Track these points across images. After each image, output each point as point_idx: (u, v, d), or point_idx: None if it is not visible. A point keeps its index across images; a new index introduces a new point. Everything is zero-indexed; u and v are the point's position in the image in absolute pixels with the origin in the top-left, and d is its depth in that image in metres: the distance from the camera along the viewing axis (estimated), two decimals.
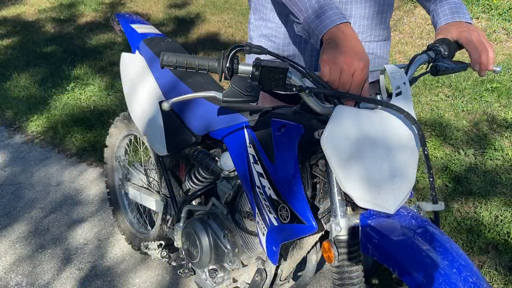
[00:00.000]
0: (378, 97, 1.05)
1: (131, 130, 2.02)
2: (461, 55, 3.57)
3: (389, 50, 1.57)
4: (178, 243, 1.68)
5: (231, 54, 1.00)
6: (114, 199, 2.25)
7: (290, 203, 1.14)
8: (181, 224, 1.66)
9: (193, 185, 1.62)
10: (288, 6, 1.20)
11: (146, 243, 1.87)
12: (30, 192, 2.71)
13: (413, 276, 0.88)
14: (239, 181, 1.45)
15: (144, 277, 2.11)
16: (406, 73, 1.14)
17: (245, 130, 1.31)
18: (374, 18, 1.44)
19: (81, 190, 2.72)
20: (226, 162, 1.41)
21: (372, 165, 0.97)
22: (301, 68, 1.03)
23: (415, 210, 1.03)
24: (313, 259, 1.35)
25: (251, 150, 1.27)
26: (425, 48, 1.21)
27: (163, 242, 1.84)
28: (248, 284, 1.52)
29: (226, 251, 1.46)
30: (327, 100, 1.11)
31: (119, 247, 2.28)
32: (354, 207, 1.05)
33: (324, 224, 1.12)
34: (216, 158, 1.48)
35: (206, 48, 4.64)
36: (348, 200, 1.04)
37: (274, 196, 1.19)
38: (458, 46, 1.23)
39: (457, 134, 2.99)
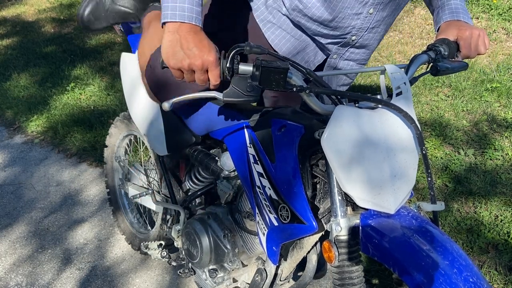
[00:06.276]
0: (378, 97, 1.05)
1: (131, 130, 2.02)
2: None
3: None
4: (178, 243, 1.68)
5: (231, 54, 1.00)
6: (114, 199, 2.25)
7: (290, 203, 1.14)
8: (181, 224, 1.65)
9: (193, 185, 1.62)
10: None
11: (146, 243, 1.86)
12: (30, 192, 2.71)
13: (414, 276, 0.88)
14: (239, 181, 1.45)
15: (144, 277, 2.10)
16: (406, 73, 1.14)
17: (245, 130, 1.31)
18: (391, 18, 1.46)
19: (81, 190, 2.72)
20: (226, 162, 1.41)
21: (373, 165, 0.97)
22: (301, 68, 1.03)
23: (415, 210, 1.03)
24: (313, 259, 1.34)
25: (251, 150, 1.27)
26: (425, 48, 1.21)
27: (163, 242, 1.84)
28: (248, 284, 1.52)
29: (226, 251, 1.45)
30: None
31: (119, 247, 2.28)
32: (355, 207, 1.05)
33: (324, 224, 1.12)
34: (216, 158, 1.48)
35: None
36: (348, 200, 1.04)
37: (274, 196, 1.18)
38: (458, 46, 1.24)
39: (457, 134, 2.99)
